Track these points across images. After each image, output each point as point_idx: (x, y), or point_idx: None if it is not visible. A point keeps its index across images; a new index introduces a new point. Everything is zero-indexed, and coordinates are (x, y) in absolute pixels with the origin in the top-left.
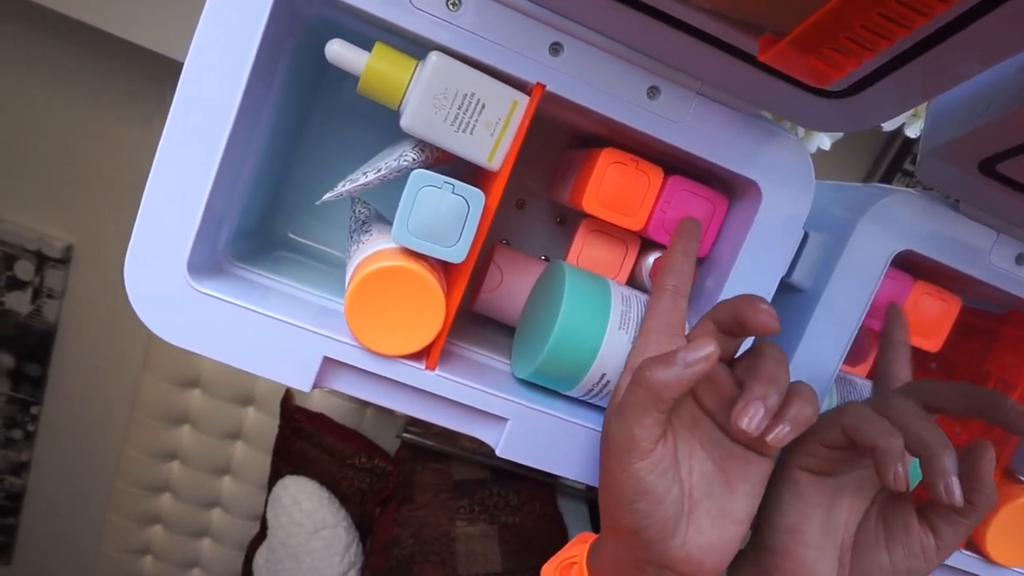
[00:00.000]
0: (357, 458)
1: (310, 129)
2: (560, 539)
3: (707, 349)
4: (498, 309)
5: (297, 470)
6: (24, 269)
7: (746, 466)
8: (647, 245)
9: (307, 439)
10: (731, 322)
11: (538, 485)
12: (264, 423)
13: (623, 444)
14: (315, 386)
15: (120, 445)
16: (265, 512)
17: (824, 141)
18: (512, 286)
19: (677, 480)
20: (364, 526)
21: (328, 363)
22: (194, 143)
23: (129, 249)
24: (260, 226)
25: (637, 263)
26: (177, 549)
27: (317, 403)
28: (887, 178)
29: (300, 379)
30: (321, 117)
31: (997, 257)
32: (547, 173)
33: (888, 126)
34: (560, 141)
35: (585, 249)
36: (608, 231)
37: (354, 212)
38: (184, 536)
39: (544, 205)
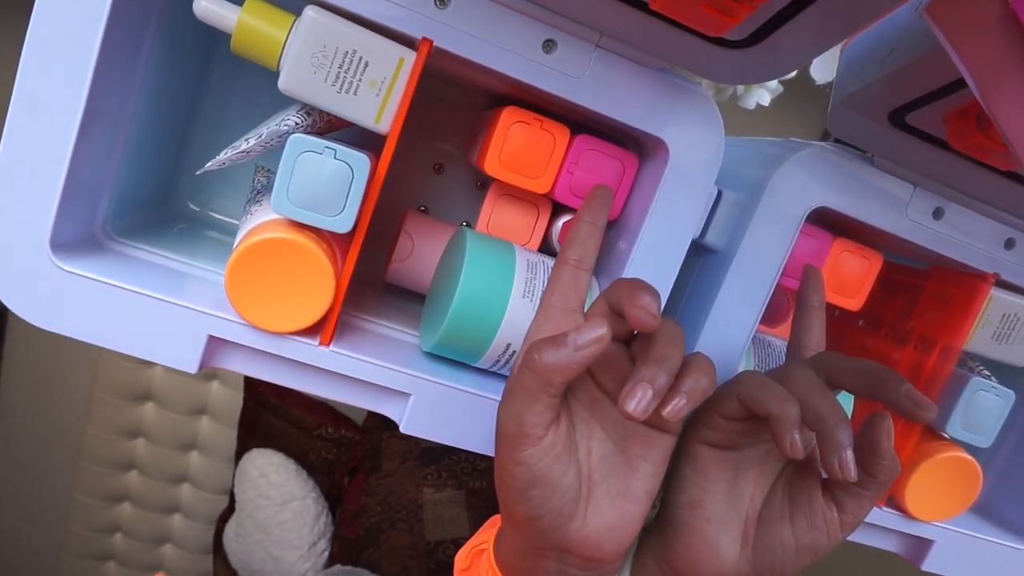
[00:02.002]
0: (324, 429)
1: (210, 91)
2: None
3: (598, 331)
4: (411, 279)
5: (264, 443)
6: None
7: (647, 444)
8: (559, 209)
9: (273, 412)
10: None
11: None
12: (229, 397)
13: (513, 431)
14: (203, 366)
15: (82, 425)
16: (233, 486)
17: (763, 96)
18: (424, 255)
19: (573, 464)
20: (333, 497)
21: (214, 342)
22: (48, 104)
23: None
24: (158, 197)
25: (549, 227)
26: (147, 525)
27: None
28: None
29: (184, 360)
30: (221, 78)
31: (914, 212)
32: (465, 136)
33: (820, 78)
34: (478, 103)
35: (495, 215)
36: (518, 195)
37: (253, 181)
38: (154, 512)
39: (464, 169)
